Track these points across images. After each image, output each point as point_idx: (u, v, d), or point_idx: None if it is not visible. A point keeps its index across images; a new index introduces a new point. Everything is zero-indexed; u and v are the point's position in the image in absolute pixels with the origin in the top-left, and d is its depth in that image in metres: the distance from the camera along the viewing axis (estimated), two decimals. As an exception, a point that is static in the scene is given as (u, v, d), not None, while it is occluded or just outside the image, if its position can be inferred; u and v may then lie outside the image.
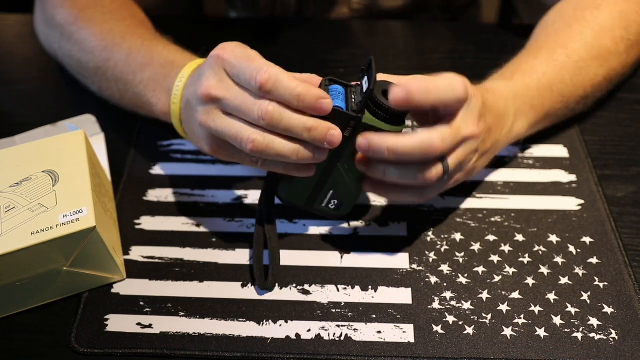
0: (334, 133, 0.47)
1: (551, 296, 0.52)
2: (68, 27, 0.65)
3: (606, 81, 0.64)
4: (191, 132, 0.54)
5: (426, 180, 0.49)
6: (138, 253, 0.56)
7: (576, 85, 0.61)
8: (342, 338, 0.50)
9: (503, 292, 0.52)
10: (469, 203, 0.59)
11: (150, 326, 0.51)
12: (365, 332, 0.50)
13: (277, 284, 0.53)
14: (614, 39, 0.62)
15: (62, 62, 0.69)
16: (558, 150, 0.64)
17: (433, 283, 0.53)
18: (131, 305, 0.52)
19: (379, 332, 0.50)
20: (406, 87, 0.46)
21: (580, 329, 0.50)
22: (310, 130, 0.46)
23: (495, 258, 0.55)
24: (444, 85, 0.47)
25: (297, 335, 0.50)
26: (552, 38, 0.62)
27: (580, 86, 0.61)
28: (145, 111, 0.61)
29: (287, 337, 0.50)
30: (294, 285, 0.53)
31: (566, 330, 0.50)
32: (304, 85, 0.45)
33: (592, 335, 0.49)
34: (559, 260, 0.55)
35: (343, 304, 0.52)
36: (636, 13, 0.63)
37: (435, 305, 0.52)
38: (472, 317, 0.51)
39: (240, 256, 0.56)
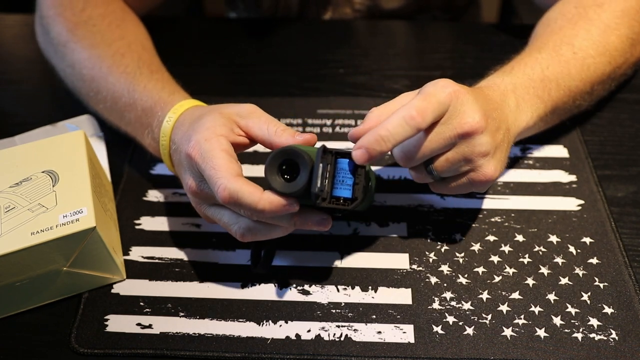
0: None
1: (551, 296, 0.52)
2: (60, 47, 0.64)
3: (610, 79, 0.63)
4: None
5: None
6: (138, 253, 0.56)
7: (584, 81, 0.60)
8: (342, 338, 0.50)
9: (503, 293, 0.52)
10: (469, 203, 0.59)
11: (150, 326, 0.51)
12: (365, 332, 0.50)
13: (277, 284, 0.53)
14: (620, 36, 0.61)
15: (59, 76, 0.68)
16: (558, 150, 0.64)
17: (433, 283, 0.53)
18: (131, 305, 0.52)
19: (379, 332, 0.50)
20: (362, 145, 0.43)
21: (581, 330, 0.50)
22: (295, 223, 0.47)
23: (495, 258, 0.55)
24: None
25: (297, 335, 0.50)
26: (557, 35, 0.61)
27: (588, 82, 0.60)
28: (142, 147, 0.60)
29: (287, 337, 0.50)
30: (294, 285, 0.53)
31: (566, 330, 0.50)
32: (265, 198, 0.44)
33: (592, 335, 0.49)
34: (559, 260, 0.54)
35: (343, 304, 0.52)
36: (637, 12, 0.63)
37: (435, 305, 0.52)
38: (472, 318, 0.51)
39: (240, 256, 0.56)
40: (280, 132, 0.48)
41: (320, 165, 0.44)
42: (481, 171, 0.48)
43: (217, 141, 0.47)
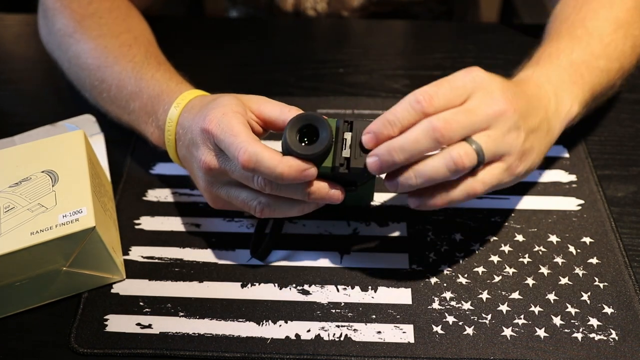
0: (334, 193, 0.48)
1: (551, 296, 0.52)
2: (66, 38, 0.64)
3: (633, 51, 0.62)
4: (194, 180, 0.54)
5: (457, 165, 0.44)
6: (138, 253, 0.56)
7: (610, 58, 0.59)
8: (342, 338, 0.49)
9: (503, 293, 0.52)
10: (469, 203, 0.59)
11: (149, 326, 0.50)
12: (365, 332, 0.50)
13: (277, 284, 0.53)
14: (628, 10, 0.61)
15: (62, 70, 0.68)
16: (558, 150, 0.64)
17: (433, 283, 0.53)
18: (131, 305, 0.52)
19: (379, 332, 0.50)
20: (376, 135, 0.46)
21: (580, 330, 0.50)
22: (309, 194, 0.48)
23: (495, 258, 0.55)
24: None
25: (297, 335, 0.50)
26: (567, 22, 0.61)
27: (615, 59, 0.59)
28: (143, 137, 0.60)
29: (287, 337, 0.50)
30: (294, 285, 0.53)
31: (566, 330, 0.50)
32: (285, 162, 0.45)
33: (592, 335, 0.49)
34: (559, 260, 0.54)
35: (343, 304, 0.52)
36: None
37: (435, 305, 0.51)
38: (472, 318, 0.51)
39: (240, 256, 0.56)
40: (293, 110, 0.49)
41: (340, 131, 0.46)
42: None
43: (235, 116, 0.48)
